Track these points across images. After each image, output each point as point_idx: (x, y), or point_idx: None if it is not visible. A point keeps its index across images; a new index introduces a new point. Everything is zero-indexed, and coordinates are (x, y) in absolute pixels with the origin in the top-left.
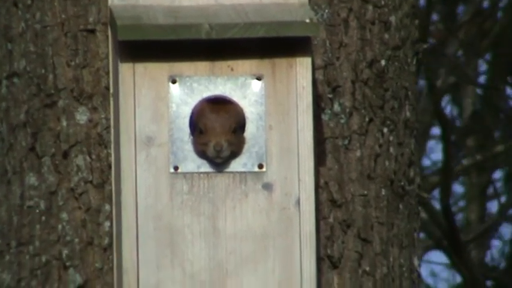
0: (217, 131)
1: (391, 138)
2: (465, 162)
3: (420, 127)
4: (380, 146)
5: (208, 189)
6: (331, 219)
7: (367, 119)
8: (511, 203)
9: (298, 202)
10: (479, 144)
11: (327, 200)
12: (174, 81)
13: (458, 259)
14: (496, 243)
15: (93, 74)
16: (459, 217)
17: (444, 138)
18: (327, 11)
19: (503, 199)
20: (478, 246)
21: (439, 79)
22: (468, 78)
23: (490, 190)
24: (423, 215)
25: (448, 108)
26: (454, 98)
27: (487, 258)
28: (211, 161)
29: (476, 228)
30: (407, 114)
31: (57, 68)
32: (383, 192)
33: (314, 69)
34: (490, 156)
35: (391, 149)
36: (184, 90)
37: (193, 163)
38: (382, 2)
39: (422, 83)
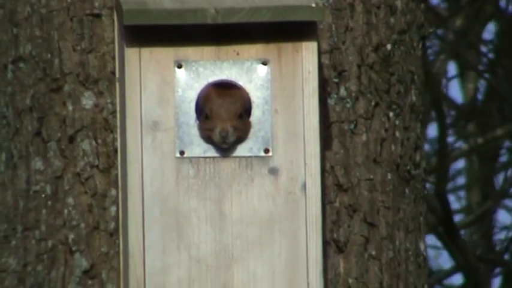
0: (223, 116)
1: (397, 122)
2: (465, 146)
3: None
4: (386, 130)
5: (214, 173)
6: (337, 204)
7: (373, 103)
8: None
9: (304, 186)
10: (480, 128)
11: (332, 185)
12: (180, 66)
13: (452, 244)
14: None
15: (99, 59)
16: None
17: (440, 121)
18: None
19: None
20: (477, 232)
21: (437, 63)
22: (468, 63)
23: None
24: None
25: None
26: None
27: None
28: (217, 146)
29: (475, 213)
30: (413, 98)
31: (63, 52)
32: (389, 176)
33: (320, 53)
34: (490, 140)
35: (397, 133)
36: (190, 74)
37: (199, 148)
38: None
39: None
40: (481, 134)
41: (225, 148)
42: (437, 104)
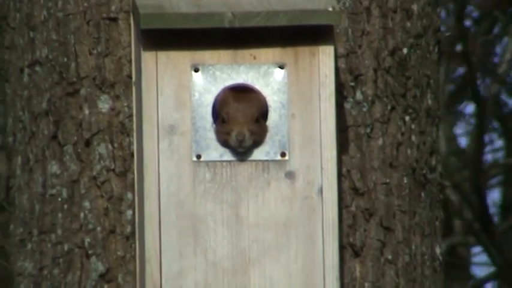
0: (240, 120)
1: (413, 126)
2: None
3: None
4: (402, 134)
5: (231, 177)
6: (353, 208)
7: (389, 107)
8: None
9: (320, 190)
10: None
11: (349, 189)
12: (196, 70)
13: (490, 242)
14: None
15: (115, 63)
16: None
17: (478, 118)
18: None
19: None
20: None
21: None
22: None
23: None
24: (454, 197)
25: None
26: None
27: None
28: (233, 150)
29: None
30: (429, 102)
31: (79, 56)
32: (405, 180)
33: (337, 57)
34: None
35: (413, 137)
36: (206, 78)
37: (215, 151)
38: None
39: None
40: None
41: (241, 152)
42: (476, 97)
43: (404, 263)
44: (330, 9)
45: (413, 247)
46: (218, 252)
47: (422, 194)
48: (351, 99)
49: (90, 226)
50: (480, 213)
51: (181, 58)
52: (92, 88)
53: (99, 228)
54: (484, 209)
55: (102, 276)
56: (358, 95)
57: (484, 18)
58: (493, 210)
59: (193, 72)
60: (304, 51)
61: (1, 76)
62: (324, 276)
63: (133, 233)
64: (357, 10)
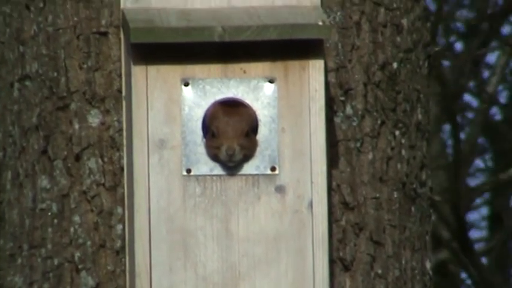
0: (230, 134)
1: (403, 141)
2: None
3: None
4: (392, 148)
5: (221, 191)
6: (343, 222)
7: (379, 122)
8: None
9: (310, 205)
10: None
11: (339, 203)
12: (186, 84)
13: (467, 260)
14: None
15: (106, 77)
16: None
17: (454, 135)
18: (339, 13)
19: None
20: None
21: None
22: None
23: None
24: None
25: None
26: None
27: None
28: (223, 164)
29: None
30: (419, 117)
31: (69, 70)
32: (395, 195)
33: (327, 71)
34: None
35: (403, 152)
36: (197, 92)
37: (205, 166)
38: (394, 5)
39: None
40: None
41: (231, 166)
42: (451, 114)
43: (394, 278)
44: (320, 23)
45: (403, 261)
46: (208, 266)
47: (413, 209)
48: (341, 114)
49: (80, 240)
50: (458, 233)
51: (171, 72)
52: (82, 102)
53: (89, 243)
54: (462, 229)
55: None
56: (348, 110)
57: (472, 33)
58: (481, 224)
59: (183, 87)
60: (294, 65)
61: None
62: None
63: (123, 247)
64: (346, 24)
